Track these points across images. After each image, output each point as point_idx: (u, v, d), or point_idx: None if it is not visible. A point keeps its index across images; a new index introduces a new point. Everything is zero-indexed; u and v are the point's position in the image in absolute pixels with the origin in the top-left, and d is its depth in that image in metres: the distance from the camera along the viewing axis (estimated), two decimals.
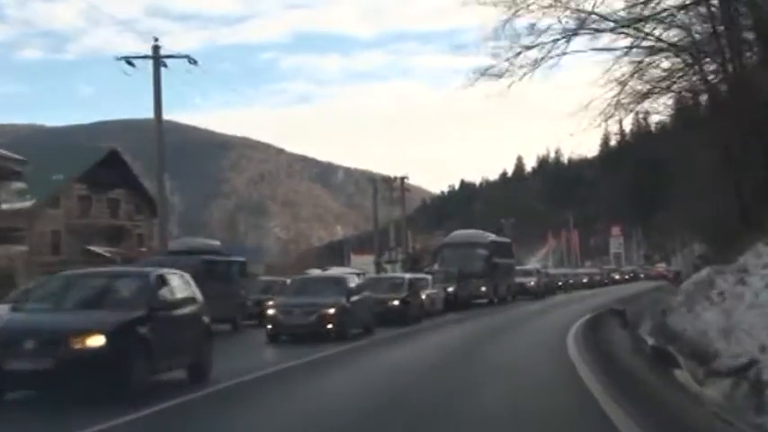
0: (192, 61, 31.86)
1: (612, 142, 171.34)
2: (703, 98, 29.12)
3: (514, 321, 29.06)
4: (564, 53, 23.63)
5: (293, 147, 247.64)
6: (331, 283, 22.54)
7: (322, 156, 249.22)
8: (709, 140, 26.75)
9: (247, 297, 25.83)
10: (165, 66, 32.54)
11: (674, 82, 26.61)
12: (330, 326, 19.96)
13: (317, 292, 21.07)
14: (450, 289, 35.51)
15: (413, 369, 14.88)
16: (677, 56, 25.76)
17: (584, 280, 66.47)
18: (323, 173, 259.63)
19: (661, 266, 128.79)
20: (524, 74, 23.43)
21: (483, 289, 39.82)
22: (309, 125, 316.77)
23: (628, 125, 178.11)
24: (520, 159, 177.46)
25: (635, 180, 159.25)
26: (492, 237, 43.78)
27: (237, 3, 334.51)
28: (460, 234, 43.83)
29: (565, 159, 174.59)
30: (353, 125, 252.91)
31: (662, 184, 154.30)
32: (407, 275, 31.78)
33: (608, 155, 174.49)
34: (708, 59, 26.00)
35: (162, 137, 32.66)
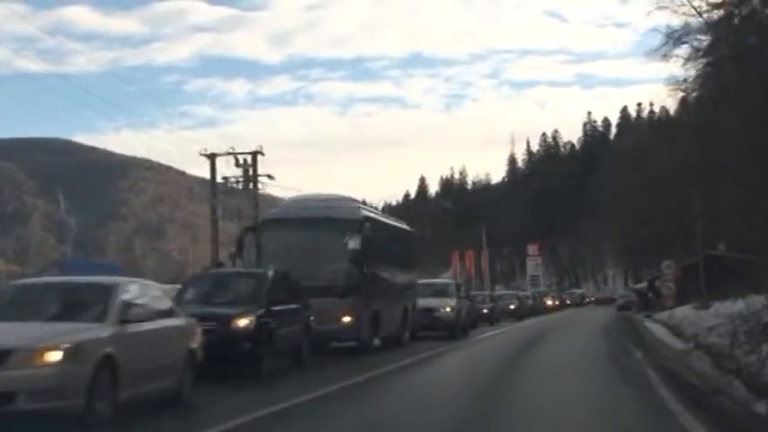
0: None
1: (519, 164, 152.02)
2: None
3: None
4: None
5: (196, 170, 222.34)
6: None
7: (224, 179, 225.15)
8: None
9: None
10: None
11: None
12: None
13: None
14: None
15: None
16: None
17: (512, 306, 43.53)
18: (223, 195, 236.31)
19: (578, 291, 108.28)
20: None
21: (346, 320, 16.68)
22: (214, 148, 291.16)
23: (535, 146, 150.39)
24: (423, 180, 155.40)
25: (542, 204, 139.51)
26: (368, 212, 19.79)
27: (142, 24, 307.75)
28: (303, 201, 20.14)
29: (469, 181, 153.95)
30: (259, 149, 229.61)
31: (572, 205, 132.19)
32: None
33: (515, 176, 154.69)
34: None
35: None
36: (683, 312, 29.76)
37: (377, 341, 18.10)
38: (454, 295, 25.50)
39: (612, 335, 24.52)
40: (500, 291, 53.42)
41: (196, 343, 9.70)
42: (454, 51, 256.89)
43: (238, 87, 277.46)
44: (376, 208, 25.11)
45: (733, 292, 24.19)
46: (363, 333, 17.00)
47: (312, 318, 14.81)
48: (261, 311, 12.37)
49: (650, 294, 50.47)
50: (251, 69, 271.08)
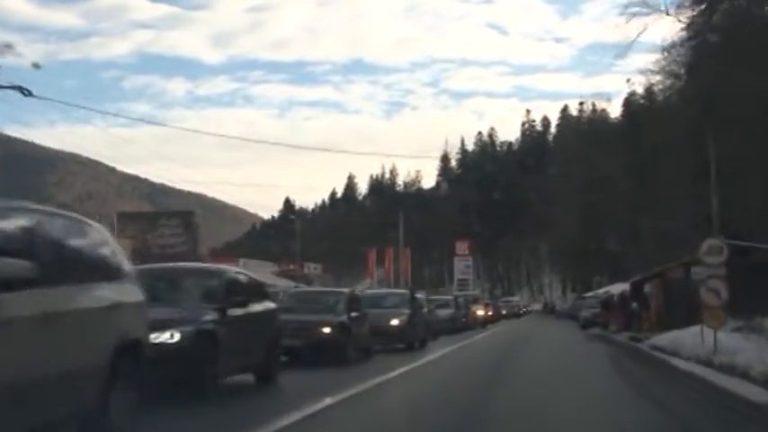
0: None
1: (453, 163, 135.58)
2: None
3: None
4: None
5: (127, 167, 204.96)
6: None
7: (156, 177, 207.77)
8: None
9: None
10: None
11: None
12: None
13: None
14: None
15: None
16: None
17: (395, 322, 22.35)
18: (154, 193, 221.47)
19: (514, 299, 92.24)
20: None
21: None
22: (148, 146, 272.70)
23: (470, 145, 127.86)
24: (351, 179, 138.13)
25: (475, 205, 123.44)
26: None
27: (81, 17, 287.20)
28: None
29: (400, 181, 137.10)
30: (195, 148, 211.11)
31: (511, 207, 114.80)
32: None
33: (447, 176, 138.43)
34: None
35: None
36: (734, 343, 13.66)
37: None
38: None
39: None
40: (374, 289, 34.58)
41: None
42: (395, 59, 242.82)
43: (177, 86, 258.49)
44: None
45: None
46: None
47: None
48: None
49: (634, 306, 32.15)
50: (191, 69, 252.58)
